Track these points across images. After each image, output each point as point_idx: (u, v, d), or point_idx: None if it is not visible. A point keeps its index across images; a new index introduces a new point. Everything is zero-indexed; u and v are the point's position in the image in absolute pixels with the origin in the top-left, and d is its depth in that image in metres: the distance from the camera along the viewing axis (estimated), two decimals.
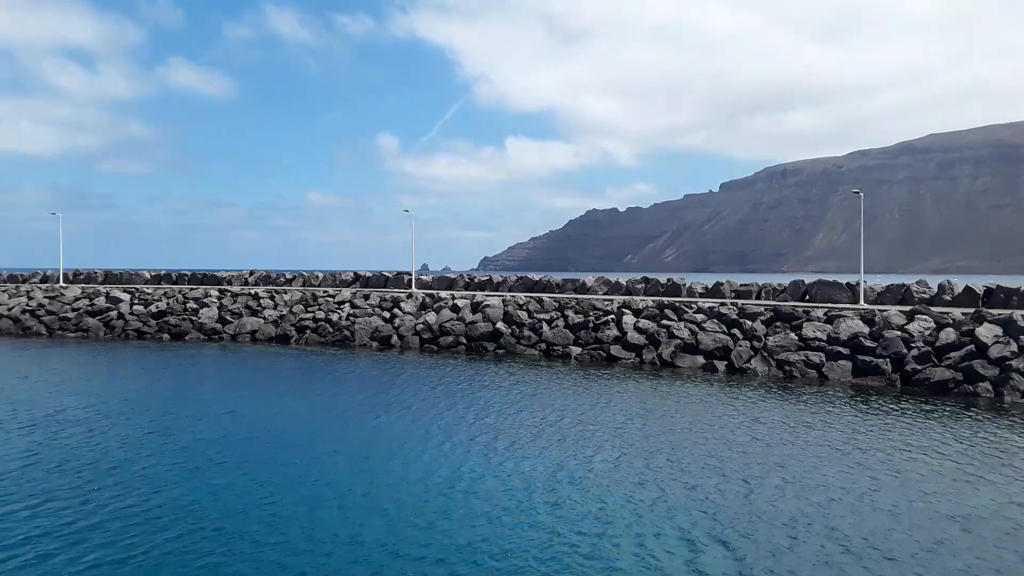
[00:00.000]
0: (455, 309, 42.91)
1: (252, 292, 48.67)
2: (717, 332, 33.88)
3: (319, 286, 51.77)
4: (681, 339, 34.35)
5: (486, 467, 16.50)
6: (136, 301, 48.95)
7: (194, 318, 46.61)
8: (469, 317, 41.64)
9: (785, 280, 41.06)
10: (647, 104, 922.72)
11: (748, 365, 31.59)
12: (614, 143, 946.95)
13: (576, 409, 23.51)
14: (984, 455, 17.80)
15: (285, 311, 46.35)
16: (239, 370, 33.73)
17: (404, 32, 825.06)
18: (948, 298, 33.08)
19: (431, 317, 42.61)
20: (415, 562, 11.18)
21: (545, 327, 39.01)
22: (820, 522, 12.98)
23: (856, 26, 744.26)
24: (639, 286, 43.03)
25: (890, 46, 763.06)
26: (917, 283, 34.64)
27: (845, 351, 30.03)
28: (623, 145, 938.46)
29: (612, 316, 37.83)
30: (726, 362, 32.34)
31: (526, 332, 39.07)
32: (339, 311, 45.30)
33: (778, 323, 33.11)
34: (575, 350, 37.07)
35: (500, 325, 39.97)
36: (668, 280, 42.52)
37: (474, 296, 44.01)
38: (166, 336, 45.93)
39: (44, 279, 56.90)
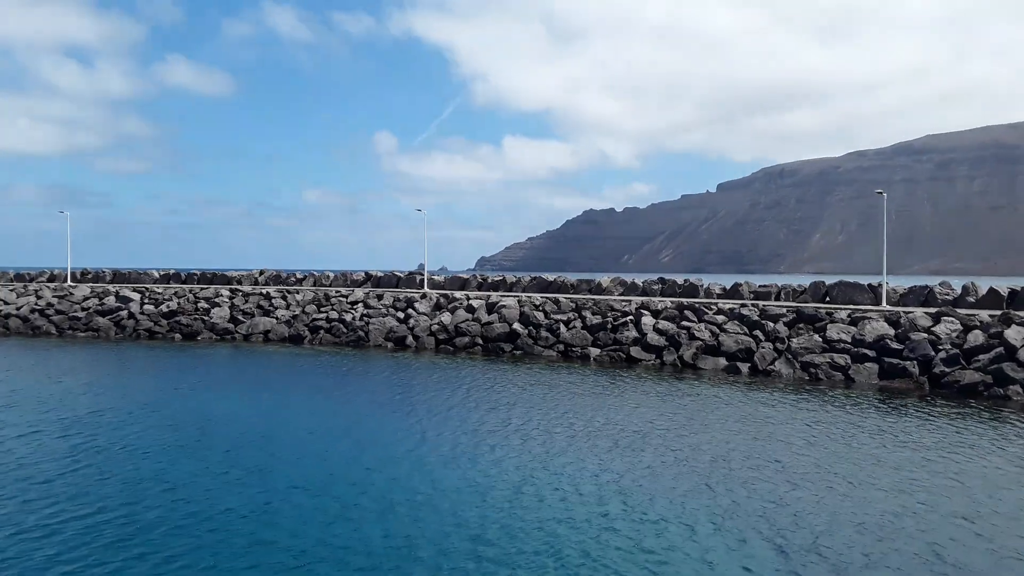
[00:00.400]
0: (470, 310, 42.64)
1: (263, 292, 48.34)
2: (739, 334, 33.68)
3: (330, 286, 51.46)
4: (702, 341, 34.15)
5: (532, 473, 16.24)
6: (146, 301, 48.58)
7: (205, 318, 46.28)
8: (485, 318, 41.39)
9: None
10: (646, 104, 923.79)
11: (772, 367, 31.39)
12: (612, 143, 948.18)
13: (611, 412, 23.26)
14: None
15: (298, 311, 46.04)
16: (262, 371, 33.41)
17: (402, 31, 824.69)
18: (972, 300, 32.94)
19: (446, 318, 42.36)
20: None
21: (562, 328, 38.78)
22: (893, 527, 12.78)
23: (855, 26, 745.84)
24: (655, 287, 42.81)
25: (889, 46, 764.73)
26: (940, 285, 34.50)
27: (871, 353, 29.85)
28: (621, 145, 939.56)
29: (630, 317, 37.62)
30: (749, 364, 32.13)
31: (543, 333, 38.84)
32: (352, 311, 45.01)
33: (801, 325, 32.93)
34: (594, 351, 36.85)
35: (517, 326, 39.73)
36: (685, 281, 42.30)
37: (489, 296, 43.76)
38: (178, 336, 45.59)
39: (51, 278, 56.47)
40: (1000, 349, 27.22)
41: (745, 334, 33.56)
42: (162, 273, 54.88)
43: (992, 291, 32.27)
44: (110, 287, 51.40)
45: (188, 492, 14.41)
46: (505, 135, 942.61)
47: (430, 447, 18.37)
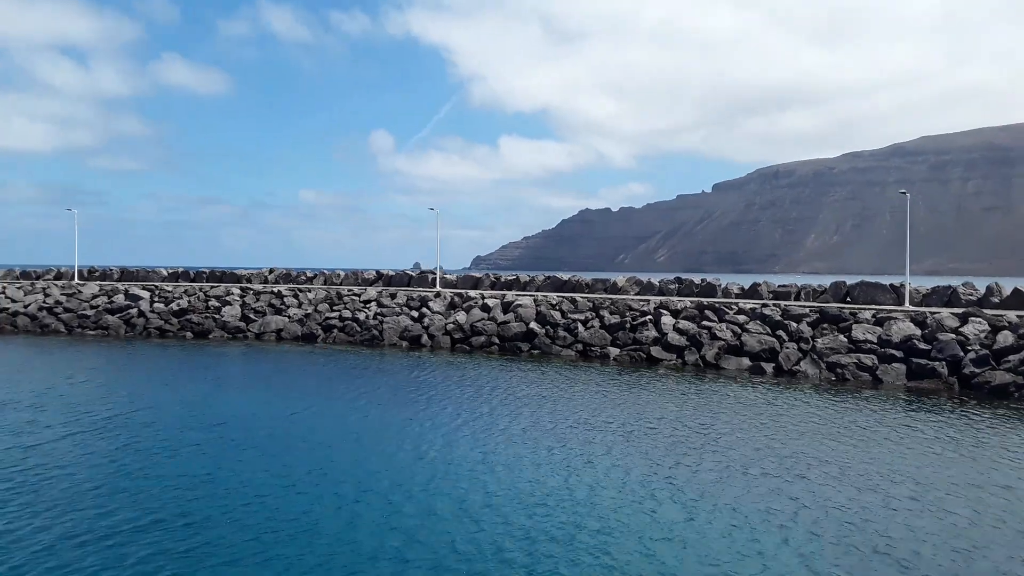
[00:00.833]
0: (485, 309, 42.36)
1: (275, 290, 47.94)
2: (762, 334, 33.47)
3: (341, 284, 51.08)
4: (724, 341, 33.93)
5: (575, 476, 15.98)
6: (156, 299, 48.13)
7: (217, 316, 45.88)
8: (501, 317, 41.11)
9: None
10: (642, 105, 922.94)
11: (798, 368, 31.20)
12: (609, 143, 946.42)
13: (648, 412, 23.00)
14: None
15: (310, 310, 45.67)
16: (284, 370, 33.02)
17: (399, 30, 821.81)
18: (996, 300, 32.80)
19: (461, 317, 42.06)
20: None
21: (580, 327, 38.53)
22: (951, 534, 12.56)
23: (852, 29, 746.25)
24: (672, 286, 42.58)
25: (885, 48, 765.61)
26: (963, 285, 34.38)
27: (898, 354, 29.68)
28: (618, 145, 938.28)
29: (649, 317, 37.39)
30: (774, 364, 31.93)
31: (561, 332, 38.58)
32: (365, 310, 44.66)
33: (825, 325, 32.74)
34: (613, 351, 36.60)
35: (534, 325, 39.46)
36: (702, 280, 42.10)
37: (504, 296, 43.48)
38: (189, 334, 45.17)
39: (58, 276, 55.93)
40: None
41: (768, 334, 33.36)
42: (170, 271, 54.40)
43: (1016, 291, 32.14)
44: (119, 285, 50.90)
45: (243, 495, 14.10)
46: (502, 135, 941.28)
47: (475, 450, 18.08)
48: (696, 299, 38.67)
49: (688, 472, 16.14)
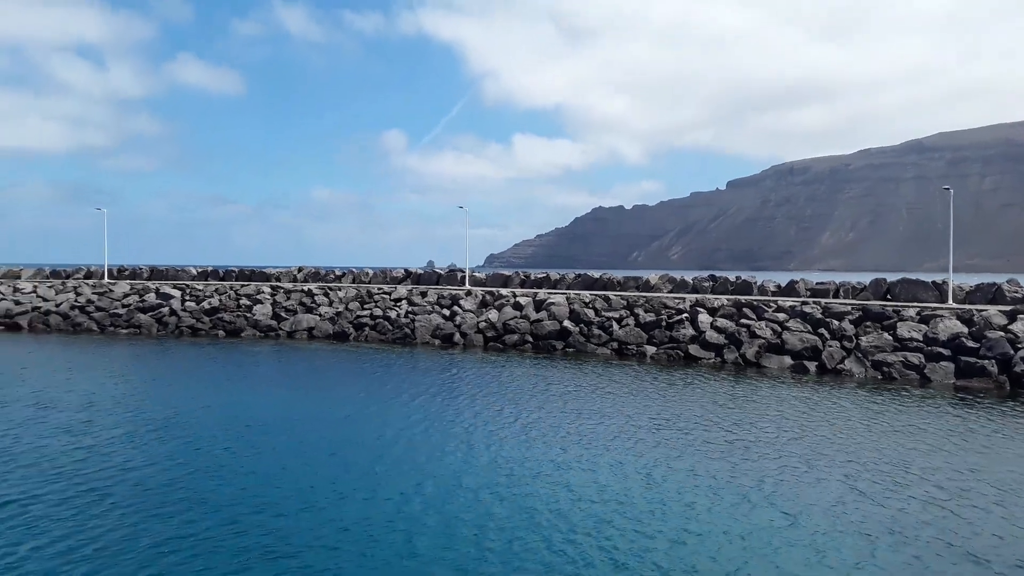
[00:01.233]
0: (517, 307, 42.20)
1: (305, 289, 47.97)
2: (803, 332, 33.14)
3: (370, 283, 51.06)
4: (764, 339, 33.62)
5: (634, 477, 15.78)
6: (187, 297, 48.27)
7: (248, 315, 45.93)
8: (534, 315, 40.94)
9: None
10: (655, 101, 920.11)
11: (842, 366, 30.85)
12: (622, 141, 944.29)
13: (699, 411, 22.75)
14: None
15: (341, 308, 45.65)
16: (321, 369, 32.96)
17: (412, 29, 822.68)
18: None
19: (493, 315, 41.91)
20: None
21: (615, 326, 38.29)
22: None
23: (865, 23, 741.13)
24: (706, 284, 42.28)
25: (899, 43, 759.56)
26: (1008, 282, 33.90)
27: (946, 352, 29.29)
28: (631, 143, 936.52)
29: (685, 315, 37.12)
30: (816, 363, 31.59)
31: (595, 331, 38.35)
32: (396, 308, 44.60)
33: (868, 323, 32.37)
34: (650, 349, 36.35)
35: (567, 323, 39.26)
36: (737, 278, 41.77)
37: (536, 294, 43.30)
38: (221, 333, 45.25)
39: (88, 275, 56.19)
40: None
41: (809, 332, 33.02)
42: (199, 270, 54.53)
43: None
44: (149, 284, 51.07)
45: (316, 495, 13.98)
46: (515, 133, 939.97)
47: (541, 451, 17.91)
48: (732, 297, 38.35)
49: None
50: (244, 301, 47.17)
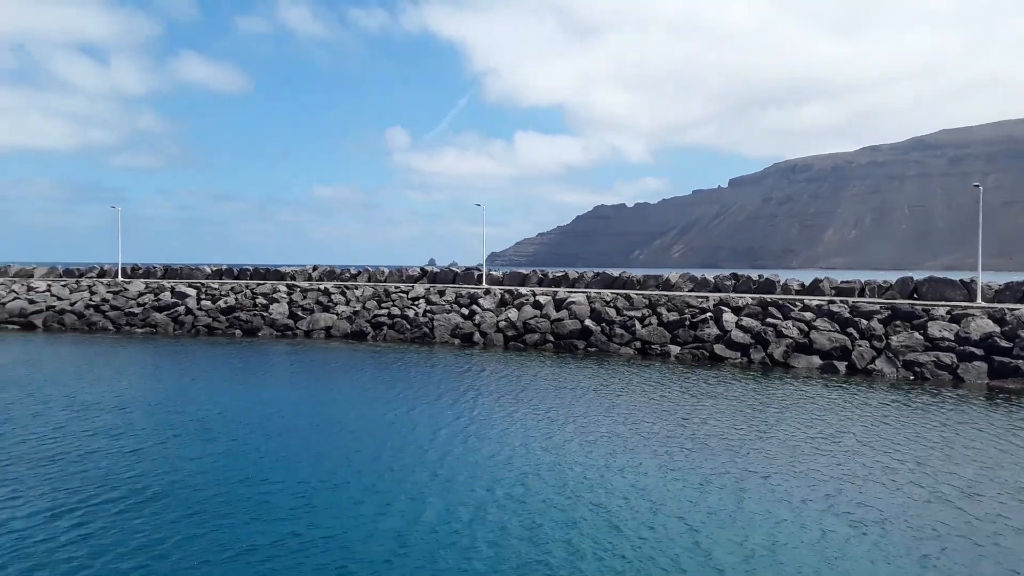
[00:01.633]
0: (537, 306, 41.95)
1: (322, 287, 47.70)
2: (831, 331, 32.85)
3: (386, 281, 50.78)
4: (792, 338, 33.34)
5: (679, 484, 15.51)
6: (203, 296, 47.99)
7: (265, 314, 45.66)
8: (554, 314, 40.67)
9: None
10: (658, 98, 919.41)
11: (873, 366, 30.56)
12: (624, 138, 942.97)
13: (735, 412, 22.47)
14: None
15: (358, 307, 45.38)
16: (346, 368, 32.60)
17: (415, 26, 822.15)
18: None
19: (512, 314, 41.64)
20: None
21: (637, 325, 38.01)
22: None
23: (870, 19, 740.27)
24: (728, 283, 41.98)
25: (904, 39, 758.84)
26: None
27: (979, 352, 29.00)
28: (633, 140, 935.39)
29: (709, 314, 36.82)
30: (846, 362, 31.29)
31: (617, 330, 38.07)
32: (414, 307, 44.32)
33: (897, 322, 32.07)
34: (674, 349, 36.05)
35: (589, 323, 39.00)
36: (760, 276, 41.50)
37: (555, 293, 43.02)
38: (238, 332, 44.98)
39: (101, 274, 55.91)
40: None
41: (837, 331, 32.73)
42: (213, 268, 54.26)
43: None
44: (164, 283, 50.80)
45: (370, 503, 13.72)
46: (517, 130, 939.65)
47: (580, 455, 17.65)
48: (757, 295, 38.06)
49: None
50: (260, 300, 46.90)
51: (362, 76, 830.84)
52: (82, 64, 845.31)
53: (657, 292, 41.93)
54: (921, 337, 30.66)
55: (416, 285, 47.71)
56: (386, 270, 52.40)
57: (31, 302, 48.84)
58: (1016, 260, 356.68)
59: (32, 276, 55.07)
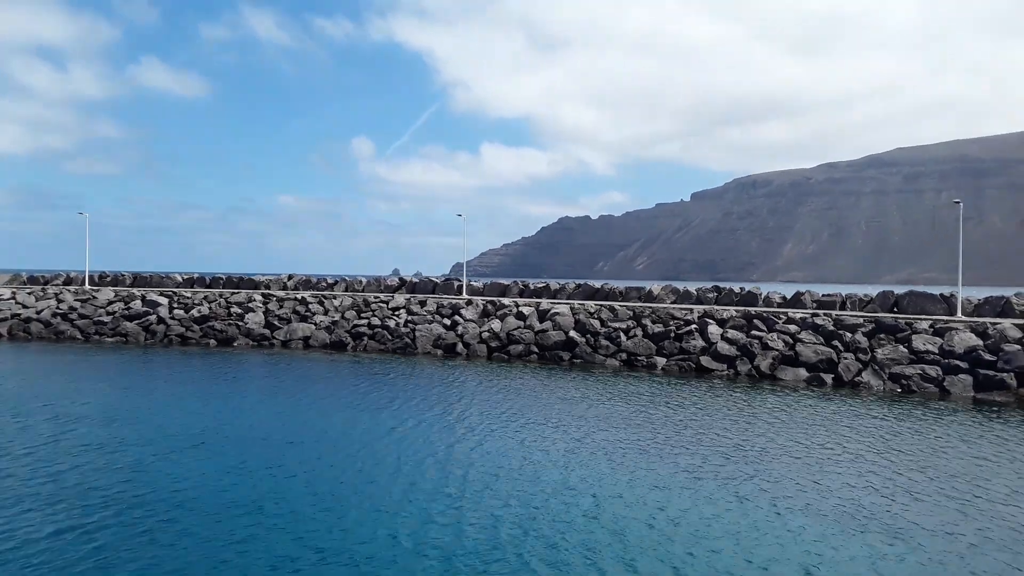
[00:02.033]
0: (520, 317, 41.68)
1: (299, 297, 46.83)
2: (816, 344, 33.14)
3: (364, 291, 50.08)
4: (777, 351, 33.55)
5: (694, 496, 15.36)
6: (176, 305, 46.78)
7: (240, 323, 44.64)
8: (538, 325, 40.44)
9: (752, 287, 40.96)
10: (624, 113, 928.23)
11: (859, 379, 30.86)
12: (590, 151, 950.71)
13: (730, 424, 22.42)
14: None
15: (337, 317, 44.63)
16: (327, 379, 31.92)
17: (382, 36, 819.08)
18: None
19: (496, 325, 41.31)
20: None
21: (622, 336, 37.95)
22: None
23: (832, 40, 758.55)
24: (710, 295, 42.19)
25: (864, 60, 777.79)
26: (1016, 295, 34.38)
27: (963, 365, 29.47)
28: (599, 154, 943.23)
29: (694, 326, 36.92)
30: (832, 375, 31.56)
31: (603, 341, 37.98)
32: (395, 317, 43.73)
33: (881, 335, 32.47)
34: (660, 360, 36.04)
35: (573, 334, 38.85)
36: (742, 289, 41.78)
37: (539, 304, 42.80)
38: (212, 342, 43.88)
39: (68, 281, 54.23)
40: None
41: (823, 344, 33.02)
42: (185, 277, 52.99)
43: None
44: (135, 291, 49.44)
45: (379, 523, 13.29)
46: (483, 142, 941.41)
47: (580, 468, 17.39)
48: (741, 308, 38.30)
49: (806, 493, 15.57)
50: (235, 309, 45.86)
51: (327, 85, 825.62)
52: (39, 68, 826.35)
53: (640, 304, 41.95)
54: (906, 350, 31.06)
55: (396, 295, 47.12)
56: (364, 279, 51.68)
57: None
58: (967, 276, 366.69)
59: None
